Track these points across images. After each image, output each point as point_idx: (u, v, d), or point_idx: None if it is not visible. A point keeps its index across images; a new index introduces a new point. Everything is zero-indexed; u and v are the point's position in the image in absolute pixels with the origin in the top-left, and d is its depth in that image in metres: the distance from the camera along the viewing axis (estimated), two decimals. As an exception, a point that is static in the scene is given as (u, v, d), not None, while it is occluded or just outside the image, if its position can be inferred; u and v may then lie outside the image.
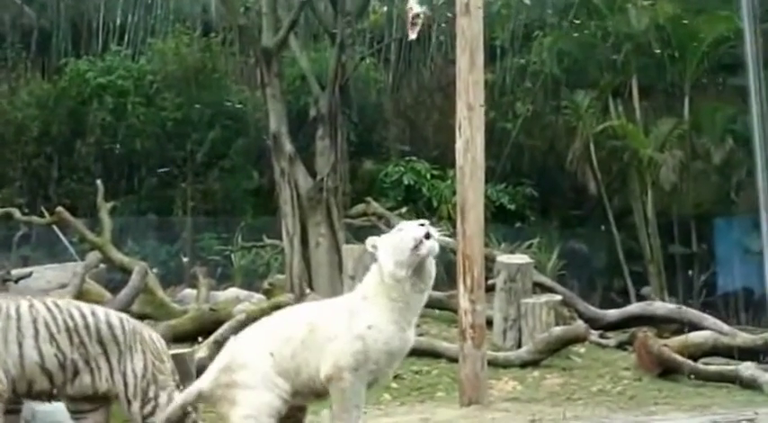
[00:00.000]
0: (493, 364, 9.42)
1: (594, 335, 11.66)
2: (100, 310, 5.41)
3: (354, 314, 5.00)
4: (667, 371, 9.97)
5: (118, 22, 21.74)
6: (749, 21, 13.46)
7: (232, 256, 18.49)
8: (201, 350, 8.71)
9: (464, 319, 8.41)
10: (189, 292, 14.74)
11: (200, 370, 7.32)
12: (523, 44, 21.02)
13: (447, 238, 5.38)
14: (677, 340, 10.71)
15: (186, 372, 6.59)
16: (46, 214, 15.45)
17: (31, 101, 20.30)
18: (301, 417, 5.26)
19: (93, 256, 12.83)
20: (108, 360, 5.22)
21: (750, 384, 9.34)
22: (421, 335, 9.99)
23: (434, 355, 10.22)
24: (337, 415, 4.95)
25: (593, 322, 11.90)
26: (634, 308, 12.89)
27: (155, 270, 14.06)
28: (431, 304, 10.87)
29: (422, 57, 21.87)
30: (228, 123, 20.57)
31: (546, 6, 20.96)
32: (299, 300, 11.24)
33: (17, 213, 15.94)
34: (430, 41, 21.36)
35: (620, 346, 11.64)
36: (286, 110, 16.24)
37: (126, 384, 5.23)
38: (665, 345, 10.30)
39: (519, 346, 10.86)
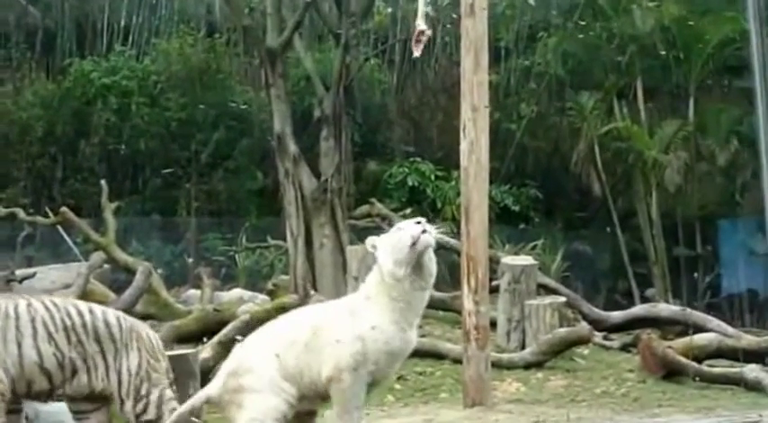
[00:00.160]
0: (497, 365, 9.42)
1: (598, 337, 11.64)
2: (97, 308, 5.42)
3: (356, 315, 5.01)
4: (671, 373, 9.94)
5: (122, 22, 21.78)
6: (755, 22, 13.38)
7: (236, 256, 18.49)
8: (206, 351, 8.72)
9: (468, 321, 8.39)
10: (193, 292, 14.77)
11: (205, 370, 7.36)
12: (528, 45, 21.00)
13: (446, 237, 5.37)
14: (681, 342, 10.69)
15: (190, 372, 6.61)
16: (50, 214, 15.48)
17: (35, 101, 20.32)
18: (310, 422, 5.27)
19: (98, 256, 12.84)
20: (104, 358, 5.23)
21: (755, 386, 9.32)
22: (424, 336, 9.99)
23: (438, 356, 10.22)
24: (338, 416, 4.95)
25: (597, 324, 11.89)
26: (638, 310, 12.88)
27: (159, 270, 14.04)
28: (434, 305, 10.96)
29: (426, 58, 21.83)
30: (233, 124, 20.57)
31: (551, 7, 20.92)
32: (303, 300, 11.20)
33: (21, 213, 15.98)
34: (434, 42, 21.33)
35: (624, 347, 11.63)
36: (290, 110, 16.27)
37: (120, 382, 5.24)
38: (670, 347, 10.29)
39: (523, 347, 10.86)
